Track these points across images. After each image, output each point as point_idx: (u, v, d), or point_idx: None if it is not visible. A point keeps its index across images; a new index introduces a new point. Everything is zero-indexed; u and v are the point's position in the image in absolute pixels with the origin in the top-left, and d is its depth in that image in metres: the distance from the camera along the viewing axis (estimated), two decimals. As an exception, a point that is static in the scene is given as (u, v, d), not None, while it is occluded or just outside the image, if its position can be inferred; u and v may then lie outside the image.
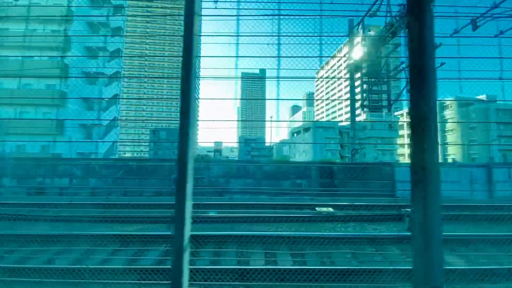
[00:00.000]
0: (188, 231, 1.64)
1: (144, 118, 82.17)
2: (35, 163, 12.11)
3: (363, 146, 16.36)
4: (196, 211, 7.70)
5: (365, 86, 11.40)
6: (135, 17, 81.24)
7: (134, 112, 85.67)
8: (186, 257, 1.59)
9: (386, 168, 11.44)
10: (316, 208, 7.80)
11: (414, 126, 1.46)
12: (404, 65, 10.09)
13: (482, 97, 41.46)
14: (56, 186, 11.18)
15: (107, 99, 22.48)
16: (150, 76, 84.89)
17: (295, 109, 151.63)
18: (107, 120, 22.53)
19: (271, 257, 4.00)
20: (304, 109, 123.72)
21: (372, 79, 11.19)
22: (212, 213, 7.69)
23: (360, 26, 11.30)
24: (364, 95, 11.53)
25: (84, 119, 20.97)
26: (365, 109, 12.35)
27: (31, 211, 6.99)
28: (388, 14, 9.53)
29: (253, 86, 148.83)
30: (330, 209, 7.79)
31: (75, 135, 20.33)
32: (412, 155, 1.49)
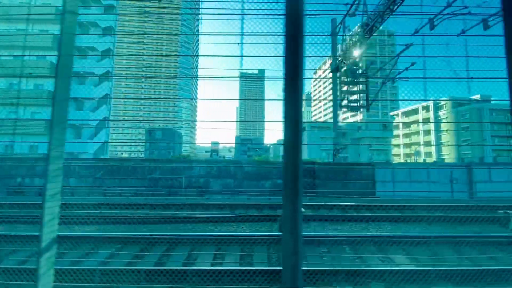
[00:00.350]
0: (53, 232, 1.63)
1: (137, 118, 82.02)
2: (16, 163, 12.09)
3: (343, 146, 16.30)
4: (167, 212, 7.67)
5: (344, 86, 11.39)
6: (127, 16, 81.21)
7: (131, 112, 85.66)
8: (51, 257, 1.58)
9: (367, 168, 11.43)
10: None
11: (286, 128, 1.49)
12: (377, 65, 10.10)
13: (476, 97, 41.56)
14: (35, 186, 11.16)
15: (97, 99, 22.45)
16: (143, 76, 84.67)
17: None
18: (97, 120, 22.49)
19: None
20: (303, 109, 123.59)
21: (351, 79, 11.16)
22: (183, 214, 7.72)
23: (341, 26, 11.30)
24: (343, 95, 11.51)
25: (73, 119, 20.92)
26: (343, 109, 12.34)
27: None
28: (365, 14, 9.53)
29: (252, 86, 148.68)
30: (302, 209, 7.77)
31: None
32: (284, 155, 1.52)
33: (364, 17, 9.53)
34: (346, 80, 11.02)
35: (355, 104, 11.54)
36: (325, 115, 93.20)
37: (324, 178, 11.48)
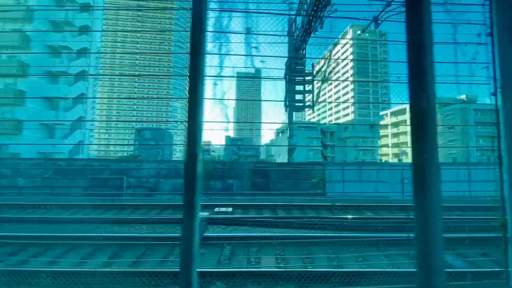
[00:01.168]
0: None
1: (130, 118, 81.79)
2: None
3: (295, 147, 16.21)
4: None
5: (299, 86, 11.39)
6: (119, 15, 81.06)
7: (123, 111, 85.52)
8: None
9: (318, 169, 11.39)
10: (216, 209, 7.73)
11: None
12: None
13: (462, 97, 41.71)
14: (-18, 186, 11.07)
15: (71, 99, 22.32)
16: (136, 75, 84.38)
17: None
18: (71, 120, 22.40)
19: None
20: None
21: (297, 79, 11.13)
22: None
23: (293, 26, 11.27)
24: (290, 94, 11.51)
25: (47, 120, 20.82)
26: (287, 109, 12.30)
27: None
28: (304, 13, 9.47)
29: (249, 86, 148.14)
30: (230, 209, 7.73)
31: (36, 135, 20.19)
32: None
33: (305, 17, 9.51)
34: (294, 79, 11.01)
35: (300, 104, 11.53)
36: (318, 115, 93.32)
37: (276, 179, 11.44)
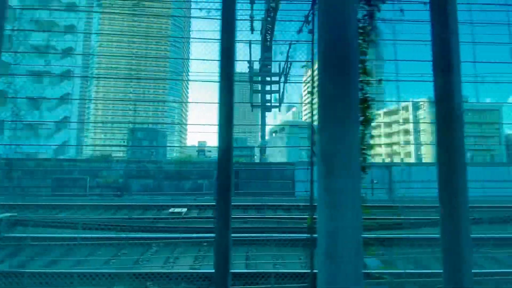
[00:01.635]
0: None
1: (129, 120, 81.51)
2: None
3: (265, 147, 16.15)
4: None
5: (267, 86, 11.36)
6: (115, 15, 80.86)
7: (120, 112, 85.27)
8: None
9: (288, 168, 11.35)
10: (170, 209, 7.70)
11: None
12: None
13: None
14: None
15: (54, 99, 22.30)
16: (132, 77, 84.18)
17: (289, 108, 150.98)
18: (54, 121, 22.35)
19: None
20: (294, 109, 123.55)
21: (263, 79, 11.09)
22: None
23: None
24: (256, 95, 11.49)
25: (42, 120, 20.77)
26: (253, 109, 12.27)
27: None
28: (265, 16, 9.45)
29: (245, 87, 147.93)
30: (184, 209, 7.70)
31: (19, 135, 20.13)
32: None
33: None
34: (260, 80, 10.96)
35: (268, 104, 11.51)
36: (314, 114, 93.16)
37: (246, 178, 11.39)
